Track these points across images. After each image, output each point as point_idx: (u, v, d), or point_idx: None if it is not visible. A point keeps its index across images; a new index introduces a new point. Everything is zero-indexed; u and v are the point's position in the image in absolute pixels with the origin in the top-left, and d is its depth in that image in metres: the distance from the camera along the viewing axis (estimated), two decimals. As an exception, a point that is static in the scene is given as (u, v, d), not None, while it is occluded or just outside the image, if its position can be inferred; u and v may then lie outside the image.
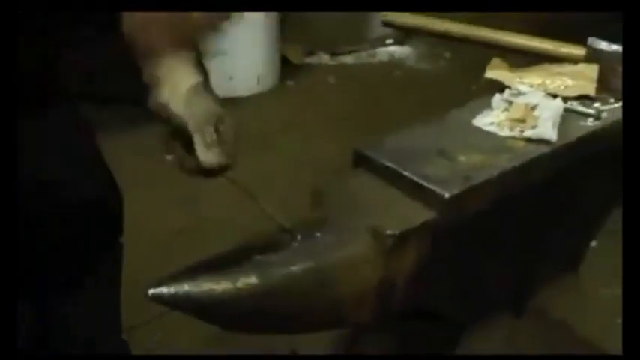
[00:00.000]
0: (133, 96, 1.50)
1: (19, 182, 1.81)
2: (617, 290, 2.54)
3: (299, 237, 1.29)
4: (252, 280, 1.22)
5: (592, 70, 1.51)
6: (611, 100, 1.50)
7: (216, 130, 1.48)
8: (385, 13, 4.24)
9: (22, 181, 1.81)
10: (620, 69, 1.50)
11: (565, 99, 1.48)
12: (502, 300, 1.54)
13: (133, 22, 1.39)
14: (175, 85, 1.49)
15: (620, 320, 2.22)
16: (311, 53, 4.07)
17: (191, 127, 1.42)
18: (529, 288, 1.56)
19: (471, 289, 1.48)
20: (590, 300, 1.69)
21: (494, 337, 1.54)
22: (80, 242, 1.92)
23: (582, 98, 1.49)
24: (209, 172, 1.45)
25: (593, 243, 1.70)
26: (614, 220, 1.70)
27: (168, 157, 1.51)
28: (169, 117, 1.45)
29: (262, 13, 3.75)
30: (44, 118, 1.74)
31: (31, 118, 1.73)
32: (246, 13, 3.69)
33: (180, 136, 1.45)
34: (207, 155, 1.40)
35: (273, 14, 3.81)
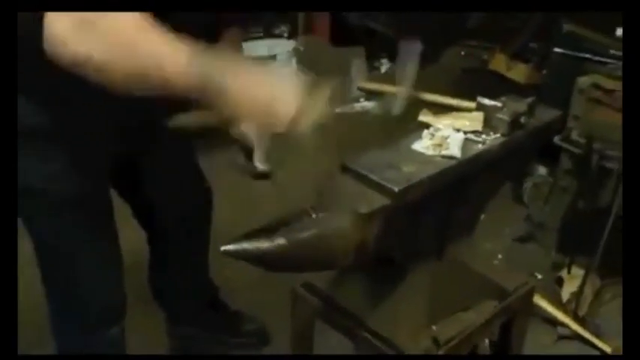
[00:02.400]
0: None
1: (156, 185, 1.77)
2: (494, 246, 2.52)
3: (312, 215, 1.28)
4: (282, 241, 1.22)
5: (480, 115, 1.50)
6: (491, 133, 1.49)
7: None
8: (361, 82, 4.21)
9: (157, 184, 1.78)
10: (497, 115, 1.48)
11: (465, 132, 1.47)
12: (429, 250, 1.52)
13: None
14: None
15: (496, 262, 2.20)
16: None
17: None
18: (446, 242, 1.55)
19: (411, 243, 1.47)
20: (479, 251, 1.68)
21: (424, 272, 1.52)
22: (189, 216, 1.90)
23: (475, 132, 1.48)
24: (261, 176, 1.44)
25: (482, 216, 1.69)
26: (493, 203, 1.69)
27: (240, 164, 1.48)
28: (244, 141, 1.39)
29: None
30: (165, 147, 1.71)
31: (158, 147, 1.70)
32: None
33: (246, 153, 1.42)
34: (261, 165, 1.38)
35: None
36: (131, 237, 1.94)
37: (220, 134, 1.49)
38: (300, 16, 4.21)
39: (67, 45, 1.08)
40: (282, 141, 1.51)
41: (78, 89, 1.16)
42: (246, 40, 3.67)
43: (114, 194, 1.67)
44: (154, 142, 1.68)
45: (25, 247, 1.70)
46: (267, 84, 1.15)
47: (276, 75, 1.20)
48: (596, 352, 2.25)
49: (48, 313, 1.67)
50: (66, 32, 1.07)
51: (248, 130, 1.36)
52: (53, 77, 1.13)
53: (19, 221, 1.47)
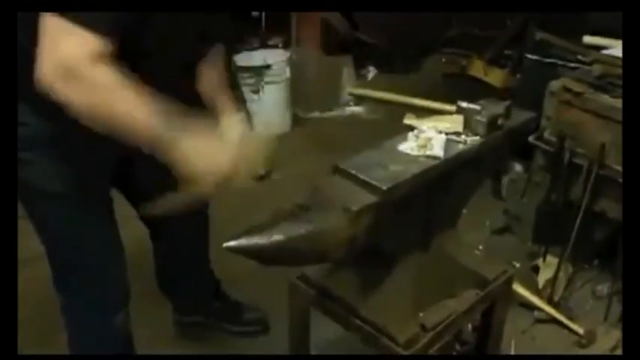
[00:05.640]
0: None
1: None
2: (475, 237, 2.51)
3: (306, 212, 1.27)
4: (279, 237, 1.21)
5: (460, 118, 1.49)
6: (470, 134, 1.48)
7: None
8: (350, 88, 4.22)
9: (154, 186, 1.77)
10: (475, 118, 1.47)
11: (447, 134, 1.46)
12: (416, 242, 1.52)
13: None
14: None
15: (477, 252, 2.18)
16: (308, 111, 4.04)
17: None
18: (431, 235, 1.55)
19: (398, 236, 1.46)
20: (463, 242, 1.67)
21: (411, 263, 1.52)
22: (187, 213, 1.88)
23: (455, 133, 1.47)
24: (258, 178, 1.43)
25: (464, 210, 1.68)
26: (474, 198, 1.69)
27: None
28: None
29: (283, 88, 3.70)
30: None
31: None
32: (272, 94, 3.65)
33: None
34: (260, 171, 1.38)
35: (288, 89, 3.75)
36: (139, 233, 1.93)
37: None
38: (293, 27, 4.20)
39: (52, 88, 1.15)
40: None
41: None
42: (239, 52, 3.67)
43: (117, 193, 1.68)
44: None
45: (26, 247, 1.70)
46: (210, 145, 1.26)
47: (219, 139, 1.31)
48: (570, 334, 2.25)
49: (59, 307, 1.66)
50: (51, 77, 1.14)
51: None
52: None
53: (25, 223, 1.47)
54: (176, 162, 1.23)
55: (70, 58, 1.13)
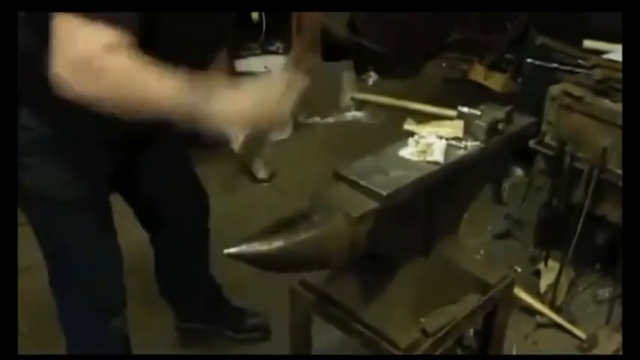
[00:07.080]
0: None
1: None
2: (476, 242, 2.50)
3: (307, 218, 1.27)
4: (280, 243, 1.21)
5: (460, 123, 1.49)
6: (470, 139, 1.48)
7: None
8: (351, 93, 4.21)
9: (156, 190, 1.78)
10: (476, 123, 1.47)
11: (447, 139, 1.46)
12: (417, 247, 1.52)
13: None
14: None
15: (478, 257, 2.18)
16: (309, 116, 4.04)
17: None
18: (432, 240, 1.55)
19: (399, 242, 1.47)
20: (464, 247, 1.67)
21: (413, 268, 1.52)
22: (188, 219, 1.90)
23: (456, 139, 1.47)
24: (262, 180, 1.43)
25: (465, 215, 1.68)
26: (475, 203, 1.69)
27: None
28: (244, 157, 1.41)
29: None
30: (162, 155, 1.72)
31: (155, 155, 1.71)
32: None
33: (244, 165, 1.41)
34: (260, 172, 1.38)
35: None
36: (141, 239, 1.93)
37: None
38: (294, 33, 4.20)
39: (68, 86, 1.12)
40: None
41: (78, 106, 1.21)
42: (240, 57, 3.67)
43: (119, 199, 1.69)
44: (152, 151, 1.69)
45: (26, 254, 1.70)
46: (247, 99, 1.24)
47: (253, 89, 1.27)
48: (572, 338, 2.25)
49: (56, 310, 1.67)
50: (67, 74, 1.11)
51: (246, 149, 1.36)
52: (55, 95, 1.15)
53: (24, 230, 1.48)
54: (219, 123, 1.21)
55: (84, 52, 1.11)
